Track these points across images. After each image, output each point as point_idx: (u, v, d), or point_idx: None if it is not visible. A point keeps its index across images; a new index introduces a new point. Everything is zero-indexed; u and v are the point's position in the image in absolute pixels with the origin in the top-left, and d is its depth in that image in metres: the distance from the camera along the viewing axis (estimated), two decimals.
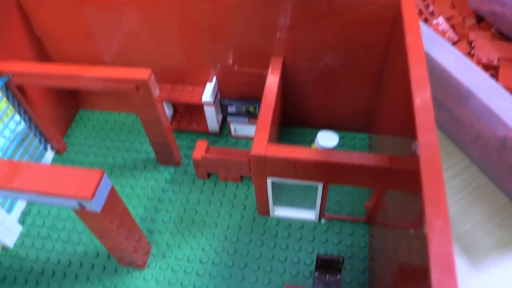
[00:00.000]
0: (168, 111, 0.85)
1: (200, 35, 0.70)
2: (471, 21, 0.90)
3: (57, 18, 0.72)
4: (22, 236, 0.73)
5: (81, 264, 0.69)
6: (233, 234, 0.70)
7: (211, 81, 0.76)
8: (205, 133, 0.84)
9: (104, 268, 0.68)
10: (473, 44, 0.84)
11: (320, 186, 0.61)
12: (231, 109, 0.77)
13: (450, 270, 0.32)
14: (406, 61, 0.48)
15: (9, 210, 0.73)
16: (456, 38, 0.85)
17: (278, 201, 0.71)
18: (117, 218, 0.57)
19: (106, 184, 0.52)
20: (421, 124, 0.41)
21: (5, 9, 0.69)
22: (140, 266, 0.67)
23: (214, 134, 0.83)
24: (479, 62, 0.81)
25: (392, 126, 0.59)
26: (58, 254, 0.70)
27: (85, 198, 0.49)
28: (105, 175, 0.51)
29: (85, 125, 0.89)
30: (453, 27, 0.88)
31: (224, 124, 0.85)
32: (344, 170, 0.56)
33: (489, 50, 0.83)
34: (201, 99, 0.76)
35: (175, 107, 0.85)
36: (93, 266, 0.69)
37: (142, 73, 0.62)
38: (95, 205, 0.50)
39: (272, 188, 0.64)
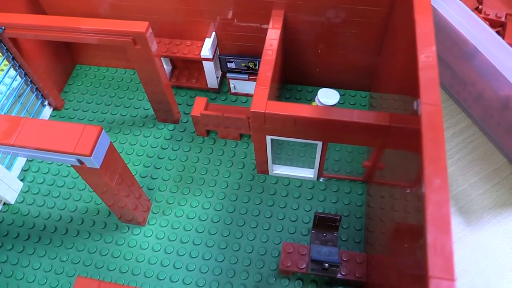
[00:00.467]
0: (166, 67, 0.83)
1: None
2: None
3: None
4: (23, 193, 0.73)
5: (83, 220, 0.70)
6: (232, 192, 0.71)
7: (210, 36, 0.74)
8: (204, 90, 0.83)
9: (105, 224, 0.69)
10: None
11: (320, 145, 0.61)
12: (231, 65, 0.75)
13: (446, 229, 0.32)
14: (412, 16, 0.46)
15: (8, 167, 0.73)
16: None
17: (277, 160, 0.71)
18: (117, 175, 0.57)
19: (105, 140, 0.51)
20: (425, 83, 0.41)
21: None
22: (141, 223, 0.68)
23: (213, 90, 0.82)
24: (486, 18, 0.79)
25: (394, 84, 0.58)
26: (60, 211, 0.71)
27: (84, 154, 0.48)
28: (103, 131, 0.50)
29: (82, 81, 0.87)
30: None
31: (223, 81, 0.83)
32: (343, 127, 0.55)
33: (498, 5, 0.80)
34: (200, 54, 0.74)
35: (174, 63, 0.83)
36: (94, 223, 0.70)
37: (139, 26, 0.60)
38: (94, 161, 0.50)
39: (271, 146, 0.64)
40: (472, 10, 0.79)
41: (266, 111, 0.56)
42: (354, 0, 0.64)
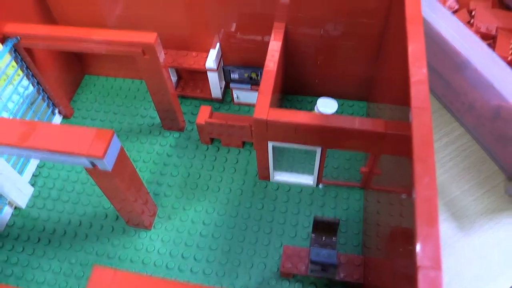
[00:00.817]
0: (172, 77, 0.87)
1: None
2: None
3: None
4: (34, 197, 0.76)
5: (91, 224, 0.73)
6: (235, 198, 0.73)
7: (214, 47, 0.78)
8: (209, 100, 0.86)
9: (113, 228, 0.72)
10: (473, 13, 0.85)
11: (319, 151, 0.64)
12: (234, 75, 0.79)
13: (433, 222, 0.35)
14: (405, 35, 0.49)
15: (20, 172, 0.76)
16: (457, 7, 0.86)
17: (278, 167, 0.74)
18: (127, 178, 0.60)
19: (116, 144, 0.54)
20: (416, 94, 0.44)
21: None
22: (147, 227, 0.71)
23: (217, 100, 0.85)
24: (477, 31, 0.82)
25: (389, 96, 0.61)
26: (69, 215, 0.74)
27: (97, 156, 0.51)
28: (115, 135, 0.53)
29: (91, 91, 0.91)
30: None
31: (227, 91, 0.87)
32: (341, 134, 0.58)
33: (489, 19, 0.83)
34: (205, 65, 0.78)
35: (179, 73, 0.87)
36: (102, 227, 0.72)
37: (149, 37, 0.64)
38: (107, 164, 0.53)
39: (273, 153, 0.67)
40: (464, 23, 0.82)
41: (268, 118, 0.59)
42: (351, 13, 0.68)
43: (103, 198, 0.75)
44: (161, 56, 0.67)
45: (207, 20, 0.74)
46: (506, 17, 0.83)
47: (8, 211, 0.74)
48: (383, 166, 0.60)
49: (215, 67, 0.77)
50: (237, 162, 0.77)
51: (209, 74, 0.79)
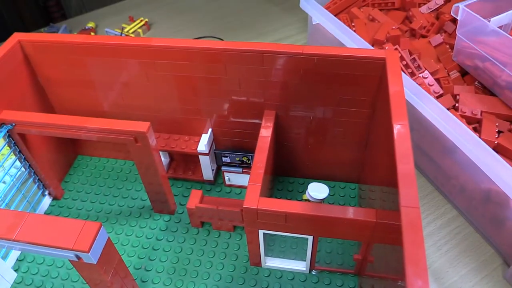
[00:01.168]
0: (164, 159, 0.88)
1: (197, 88, 0.74)
2: (455, 74, 0.94)
3: (61, 69, 0.76)
4: (16, 283, 0.73)
5: None
6: (225, 285, 0.71)
7: (206, 132, 0.80)
8: (200, 182, 0.86)
9: None
10: (457, 97, 0.88)
11: (310, 239, 0.63)
12: (225, 159, 0.80)
13: None
14: (392, 134, 0.51)
15: (4, 257, 0.73)
16: (441, 92, 0.89)
17: (269, 252, 0.72)
18: (112, 269, 0.58)
19: (103, 236, 0.53)
20: (405, 197, 0.44)
21: (12, 60, 0.73)
22: None
23: (208, 182, 0.86)
24: (463, 116, 0.85)
25: (379, 180, 0.61)
26: None
27: (82, 251, 0.50)
28: (102, 227, 0.52)
29: (82, 171, 0.91)
30: (438, 80, 0.92)
31: (218, 173, 0.87)
32: (332, 223, 0.58)
33: (473, 103, 0.86)
34: (197, 149, 0.79)
35: (172, 156, 0.88)
36: None
37: (141, 126, 0.65)
38: (92, 257, 0.51)
39: (264, 240, 0.66)
40: (448, 108, 0.85)
41: (258, 207, 0.59)
42: (340, 103, 0.70)
43: (87, 286, 0.72)
44: (153, 142, 0.68)
45: (200, 107, 0.77)
46: (489, 101, 0.87)
47: None
48: (376, 252, 0.59)
49: (207, 151, 0.78)
50: (227, 247, 0.76)
51: (200, 157, 0.80)
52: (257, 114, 0.75)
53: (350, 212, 0.57)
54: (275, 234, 0.64)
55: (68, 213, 0.83)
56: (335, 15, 1.08)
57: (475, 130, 0.84)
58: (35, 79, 0.79)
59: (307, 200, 0.71)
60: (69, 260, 0.54)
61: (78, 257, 0.52)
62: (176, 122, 0.81)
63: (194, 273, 0.73)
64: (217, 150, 0.79)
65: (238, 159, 0.79)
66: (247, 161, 0.79)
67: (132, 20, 1.33)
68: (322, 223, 0.59)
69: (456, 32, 0.91)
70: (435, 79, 0.92)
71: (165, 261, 0.75)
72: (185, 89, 0.75)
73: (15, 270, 0.75)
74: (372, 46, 0.97)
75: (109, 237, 0.55)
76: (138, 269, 0.74)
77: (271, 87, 0.71)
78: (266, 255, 0.70)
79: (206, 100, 0.75)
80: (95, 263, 0.52)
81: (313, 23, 1.07)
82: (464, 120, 0.83)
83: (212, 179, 0.84)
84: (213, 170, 0.84)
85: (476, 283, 0.72)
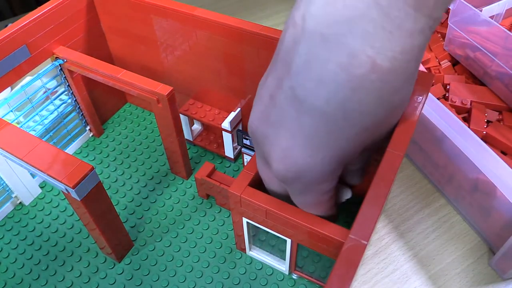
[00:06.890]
0: (197, 126, 0.91)
1: (236, 67, 0.75)
2: (446, 63, 0.95)
3: (123, 19, 0.81)
4: (38, 199, 0.82)
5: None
6: (207, 259, 0.73)
7: (235, 110, 0.81)
8: (222, 156, 0.88)
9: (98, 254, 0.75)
10: (448, 87, 0.89)
11: (289, 241, 0.62)
12: (246, 141, 0.80)
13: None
14: None
15: (34, 175, 0.83)
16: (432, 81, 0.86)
17: (257, 242, 0.73)
18: (100, 212, 0.63)
19: (93, 179, 0.58)
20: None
21: (78, 2, 0.79)
22: (116, 260, 0.73)
23: (229, 159, 0.87)
24: (452, 105, 0.85)
25: None
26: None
27: (69, 185, 0.55)
28: (94, 170, 0.57)
29: (125, 117, 0.97)
30: (429, 70, 0.92)
31: (241, 153, 0.88)
32: (306, 233, 0.57)
33: (463, 93, 0.87)
34: (221, 125, 0.80)
35: (204, 125, 0.91)
36: (89, 249, 0.76)
37: (164, 89, 0.68)
38: (76, 194, 0.56)
39: (248, 228, 0.67)
40: (439, 98, 0.87)
41: (242, 195, 0.59)
42: None
43: None
44: (174, 107, 0.70)
45: (234, 85, 0.78)
46: (479, 91, 0.89)
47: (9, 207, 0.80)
48: None
49: (230, 129, 0.80)
50: (223, 224, 0.78)
51: (224, 134, 0.81)
52: None
53: (326, 226, 0.55)
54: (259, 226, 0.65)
55: (100, 151, 0.91)
56: None
57: (465, 120, 0.86)
58: (98, 25, 0.85)
59: None
60: (62, 191, 0.59)
61: (67, 190, 0.57)
62: (212, 94, 0.83)
63: (184, 238, 0.76)
64: (239, 131, 0.81)
65: None
66: None
67: None
68: (297, 230, 0.58)
69: (448, 21, 0.92)
70: (426, 68, 0.92)
71: (164, 219, 0.79)
72: (225, 65, 0.76)
73: (41, 188, 0.84)
74: None
75: (100, 182, 0.59)
76: (140, 218, 0.79)
77: None
78: (250, 243, 0.71)
79: (240, 80, 0.76)
80: (79, 199, 0.57)
81: None
82: (453, 109, 0.85)
83: (232, 157, 0.86)
84: (235, 149, 0.85)
85: (462, 270, 0.72)
